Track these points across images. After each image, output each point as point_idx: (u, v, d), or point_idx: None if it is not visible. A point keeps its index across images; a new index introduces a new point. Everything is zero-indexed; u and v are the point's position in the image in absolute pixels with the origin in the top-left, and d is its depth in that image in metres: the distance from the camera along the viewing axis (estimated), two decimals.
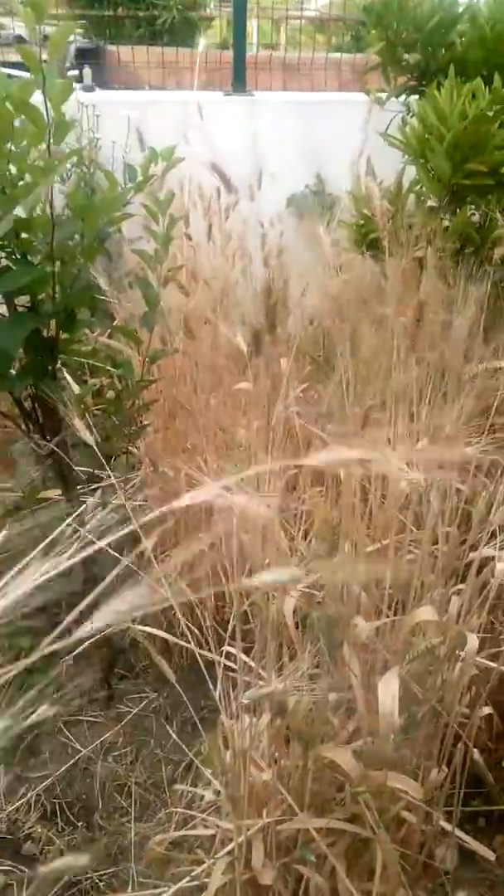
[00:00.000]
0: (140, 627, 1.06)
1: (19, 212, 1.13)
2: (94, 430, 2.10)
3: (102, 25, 5.32)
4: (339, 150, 2.47)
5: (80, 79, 3.30)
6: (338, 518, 0.85)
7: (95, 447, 1.15)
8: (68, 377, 2.20)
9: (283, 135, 2.89)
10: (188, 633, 1.19)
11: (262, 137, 2.95)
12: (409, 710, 0.85)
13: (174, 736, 1.65)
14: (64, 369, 1.45)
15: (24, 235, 1.16)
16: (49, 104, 1.04)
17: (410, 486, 0.92)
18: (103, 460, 1.19)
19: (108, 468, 1.29)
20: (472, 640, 0.91)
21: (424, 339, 0.85)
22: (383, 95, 1.86)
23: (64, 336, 1.29)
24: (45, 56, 1.01)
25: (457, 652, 0.93)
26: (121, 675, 1.81)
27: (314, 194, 2.66)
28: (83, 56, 4.40)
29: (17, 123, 1.09)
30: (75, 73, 3.26)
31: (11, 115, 1.06)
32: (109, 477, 1.52)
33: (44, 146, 1.08)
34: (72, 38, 4.42)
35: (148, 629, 1.08)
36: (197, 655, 1.09)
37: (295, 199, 2.77)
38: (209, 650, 1.16)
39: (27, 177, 1.12)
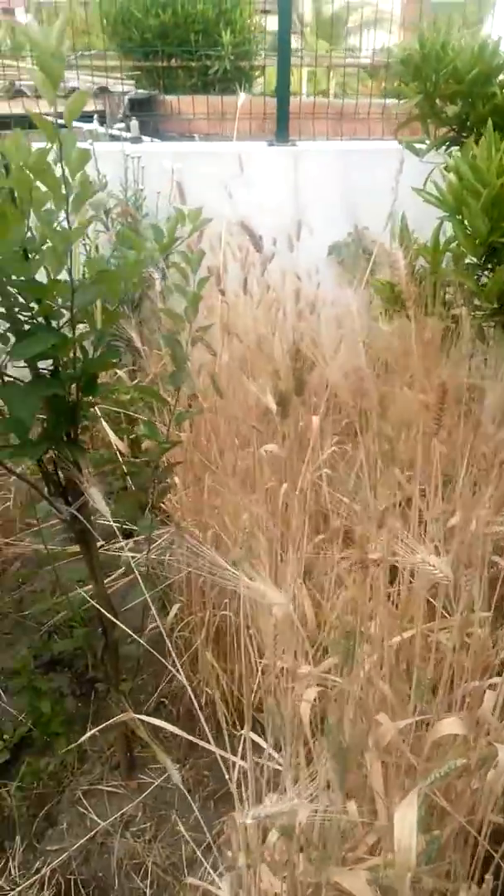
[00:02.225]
0: (148, 719, 0.99)
1: (41, 276, 1.12)
2: (129, 485, 2.06)
3: (156, 75, 5.46)
4: (381, 199, 2.43)
5: (128, 129, 3.38)
6: (354, 621, 0.78)
7: (108, 515, 1.10)
8: (105, 425, 2.19)
9: (324, 184, 2.88)
10: (201, 714, 1.13)
11: (303, 187, 2.94)
12: (432, 836, 0.76)
13: (195, 812, 1.57)
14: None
15: (44, 300, 1.14)
16: (67, 171, 1.02)
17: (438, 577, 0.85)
18: (128, 521, 1.14)
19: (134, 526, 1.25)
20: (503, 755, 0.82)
21: (450, 418, 0.78)
22: (423, 146, 1.81)
23: (85, 399, 1.26)
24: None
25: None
26: (144, 742, 1.74)
27: (354, 243, 2.62)
28: (137, 106, 4.52)
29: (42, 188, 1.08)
30: (122, 125, 3.33)
31: (30, 181, 1.05)
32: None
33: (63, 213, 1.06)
34: (126, 88, 4.55)
35: (153, 720, 1.01)
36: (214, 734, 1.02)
37: (336, 247, 2.74)
38: (234, 728, 1.09)
39: (49, 242, 1.11)
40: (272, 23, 6.36)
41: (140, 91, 4.89)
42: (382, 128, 3.42)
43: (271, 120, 3.50)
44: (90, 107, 4.05)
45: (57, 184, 0.99)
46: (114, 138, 3.50)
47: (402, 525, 0.87)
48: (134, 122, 3.14)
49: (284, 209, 2.83)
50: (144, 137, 3.31)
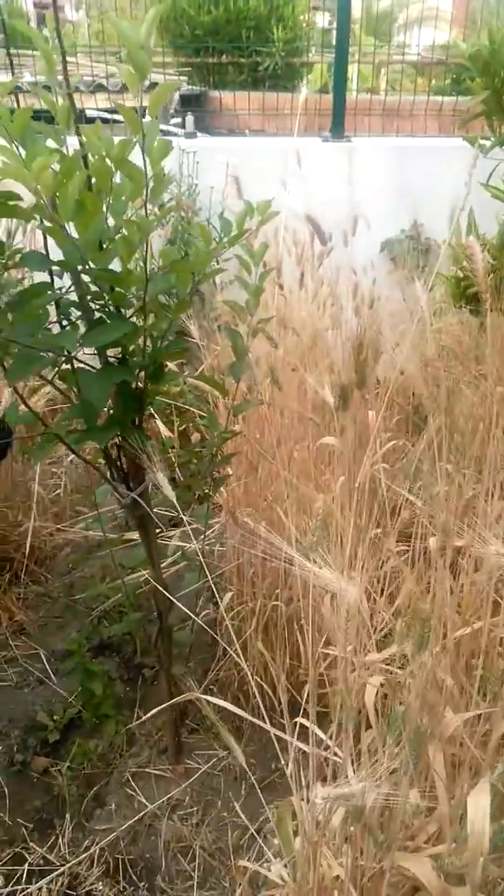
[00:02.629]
0: (209, 698, 1.01)
1: (115, 266, 1.14)
2: (177, 476, 2.09)
3: (206, 71, 5.48)
4: (435, 196, 2.41)
5: (182, 125, 3.40)
6: (429, 609, 0.79)
7: (175, 500, 1.12)
8: (156, 418, 2.22)
9: (379, 180, 2.87)
10: (260, 699, 1.14)
11: (358, 183, 2.93)
12: (499, 825, 0.77)
13: (243, 798, 1.59)
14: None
15: (117, 289, 1.16)
16: (148, 162, 1.04)
17: None
18: (180, 509, 1.16)
19: (186, 515, 1.27)
20: None
21: None
22: (487, 143, 1.80)
23: (151, 387, 1.28)
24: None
25: None
26: (191, 728, 1.77)
27: (409, 239, 2.61)
28: (187, 102, 4.55)
29: (117, 179, 1.11)
30: (177, 121, 3.36)
31: (110, 171, 1.08)
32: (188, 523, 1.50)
33: (140, 202, 1.09)
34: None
35: (217, 701, 1.03)
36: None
37: (389, 243, 2.73)
38: (282, 717, 1.11)
39: (123, 231, 1.13)
40: (321, 20, 6.35)
41: (192, 87, 4.92)
42: (439, 125, 3.39)
43: (322, 116, 3.50)
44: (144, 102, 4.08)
45: (140, 175, 1.01)
46: (164, 133, 3.53)
47: (472, 517, 0.87)
48: (189, 118, 3.17)
49: (338, 205, 2.83)
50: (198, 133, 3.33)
